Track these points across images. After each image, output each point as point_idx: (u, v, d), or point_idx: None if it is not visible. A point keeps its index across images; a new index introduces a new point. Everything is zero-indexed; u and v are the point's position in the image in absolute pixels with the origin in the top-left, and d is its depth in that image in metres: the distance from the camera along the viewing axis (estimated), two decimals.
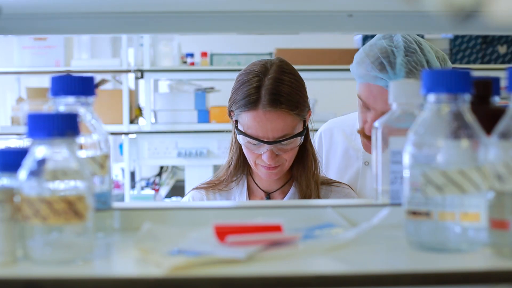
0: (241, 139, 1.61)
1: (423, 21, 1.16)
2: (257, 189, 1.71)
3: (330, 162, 1.87)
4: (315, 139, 1.91)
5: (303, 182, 1.66)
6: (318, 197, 1.66)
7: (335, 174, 1.84)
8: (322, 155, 1.87)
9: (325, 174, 1.81)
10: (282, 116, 1.56)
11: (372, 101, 1.65)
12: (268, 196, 1.70)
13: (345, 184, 1.75)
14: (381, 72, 1.62)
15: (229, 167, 1.70)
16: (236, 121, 1.62)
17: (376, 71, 1.63)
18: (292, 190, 1.68)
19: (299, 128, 1.60)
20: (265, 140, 1.57)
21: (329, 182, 1.72)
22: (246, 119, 1.58)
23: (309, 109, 1.63)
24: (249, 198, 1.69)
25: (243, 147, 1.63)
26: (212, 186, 1.71)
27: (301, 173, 1.66)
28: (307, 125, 1.64)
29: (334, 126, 1.90)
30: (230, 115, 1.66)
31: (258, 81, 1.58)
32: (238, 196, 1.69)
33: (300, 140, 1.61)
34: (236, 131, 1.62)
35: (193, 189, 1.74)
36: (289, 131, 1.58)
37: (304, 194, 1.65)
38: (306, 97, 1.62)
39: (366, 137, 1.67)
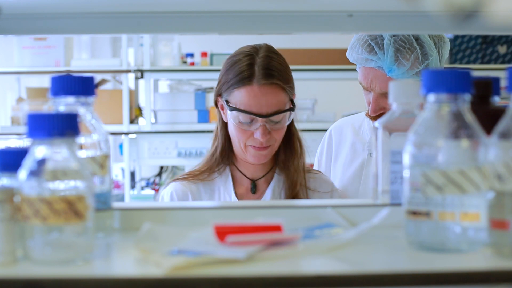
0: (232, 119, 1.62)
1: (423, 21, 1.16)
2: (242, 177, 1.72)
3: (339, 155, 1.92)
4: (324, 137, 1.97)
5: (291, 167, 1.69)
6: (304, 183, 1.69)
7: (342, 165, 1.89)
8: (332, 151, 1.93)
9: (330, 167, 1.87)
10: (275, 90, 1.61)
11: (368, 83, 1.75)
12: (254, 183, 1.71)
13: (321, 172, 1.83)
14: (371, 54, 1.72)
15: (213, 155, 1.70)
16: (227, 102, 1.63)
17: (366, 54, 1.73)
18: (276, 177, 1.70)
19: (289, 106, 1.65)
20: (260, 114, 1.58)
21: (308, 170, 1.76)
22: (239, 95, 1.61)
23: (294, 92, 1.69)
24: (234, 187, 1.70)
25: (233, 128, 1.64)
26: (193, 177, 1.71)
27: (289, 157, 1.70)
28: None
29: (344, 123, 1.96)
30: (216, 102, 1.69)
31: (250, 59, 1.63)
32: (223, 185, 1.69)
33: (290, 117, 1.64)
34: (228, 108, 1.63)
35: (174, 180, 1.74)
36: (281, 107, 1.62)
37: (291, 179, 1.68)
38: (292, 78, 1.68)
39: (373, 118, 1.76)
